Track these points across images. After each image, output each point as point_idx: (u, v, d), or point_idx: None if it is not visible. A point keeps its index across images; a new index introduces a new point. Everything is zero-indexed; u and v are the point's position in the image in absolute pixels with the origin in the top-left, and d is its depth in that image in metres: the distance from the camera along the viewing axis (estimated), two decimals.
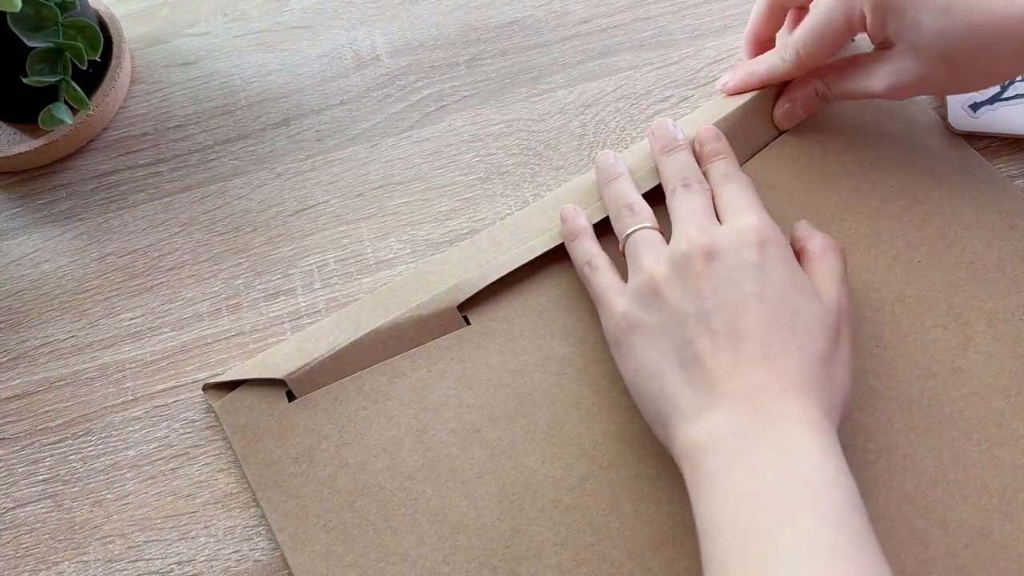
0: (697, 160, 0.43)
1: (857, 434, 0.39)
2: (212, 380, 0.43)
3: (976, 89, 0.41)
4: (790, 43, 0.44)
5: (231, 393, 0.42)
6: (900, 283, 0.42)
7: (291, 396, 0.42)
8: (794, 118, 0.46)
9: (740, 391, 0.33)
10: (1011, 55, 0.37)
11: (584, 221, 0.43)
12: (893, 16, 0.39)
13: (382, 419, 0.41)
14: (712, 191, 0.41)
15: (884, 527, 0.37)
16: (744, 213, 0.38)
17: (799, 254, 0.39)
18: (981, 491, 0.38)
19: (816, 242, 0.39)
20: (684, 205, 0.40)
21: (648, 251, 0.39)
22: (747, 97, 0.47)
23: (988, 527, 0.37)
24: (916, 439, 0.39)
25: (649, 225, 0.40)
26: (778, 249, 0.37)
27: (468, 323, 0.43)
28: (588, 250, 0.42)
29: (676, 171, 0.42)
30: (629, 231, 0.40)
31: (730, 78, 0.47)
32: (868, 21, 0.40)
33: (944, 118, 0.47)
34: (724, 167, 0.42)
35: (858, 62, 0.43)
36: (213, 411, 0.43)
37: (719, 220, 0.39)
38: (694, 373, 0.35)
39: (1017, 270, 0.42)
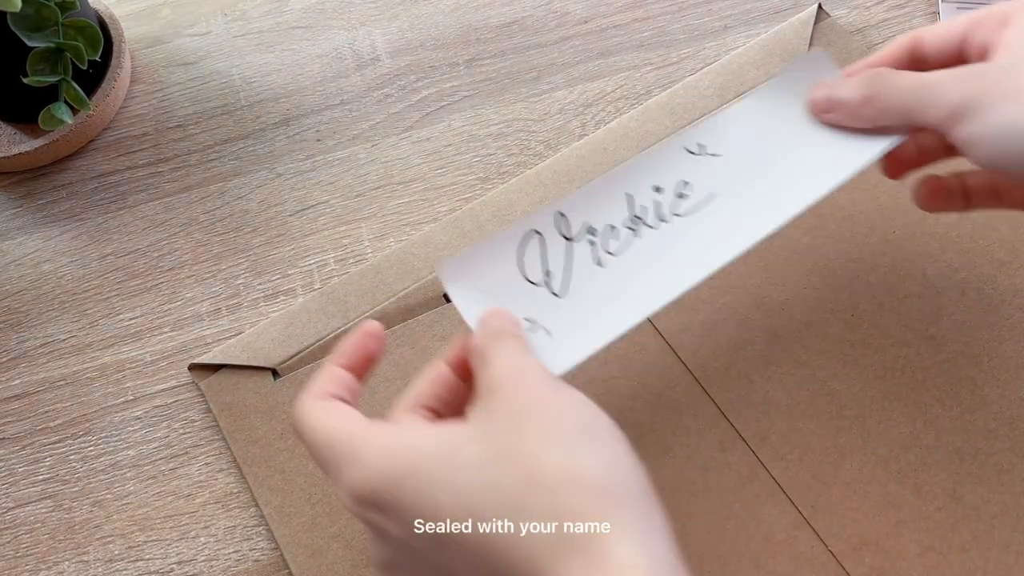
0: None
1: (832, 401, 0.40)
2: (199, 361, 0.43)
3: None
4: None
5: (217, 372, 0.43)
6: (875, 254, 0.43)
7: (276, 374, 0.43)
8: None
9: None
10: None
11: None
12: None
13: (366, 395, 0.41)
14: None
15: (859, 491, 0.39)
16: None
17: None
18: (953, 456, 0.39)
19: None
20: None
21: None
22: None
23: (960, 490, 0.38)
24: (890, 406, 0.40)
25: None
26: None
27: (448, 301, 0.43)
28: None
29: None
30: None
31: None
32: None
33: None
34: None
35: None
36: (209, 409, 0.43)
37: None
38: None
39: (989, 240, 0.43)
